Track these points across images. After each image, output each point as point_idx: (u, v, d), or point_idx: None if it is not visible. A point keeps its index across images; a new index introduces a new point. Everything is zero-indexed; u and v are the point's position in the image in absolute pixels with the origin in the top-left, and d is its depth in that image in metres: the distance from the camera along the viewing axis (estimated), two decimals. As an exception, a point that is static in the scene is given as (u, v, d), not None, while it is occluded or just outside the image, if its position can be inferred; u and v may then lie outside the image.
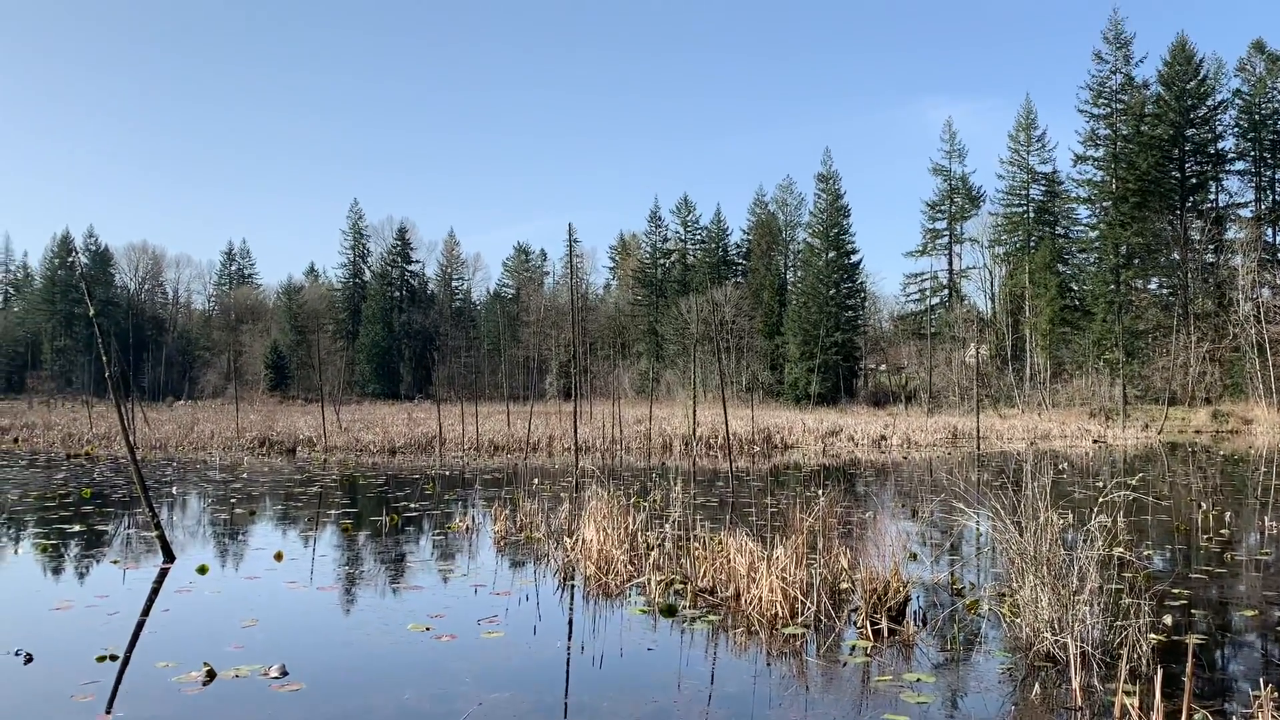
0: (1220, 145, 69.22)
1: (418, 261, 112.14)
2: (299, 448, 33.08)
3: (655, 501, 14.11)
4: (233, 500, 17.55)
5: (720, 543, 9.60)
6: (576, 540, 11.00)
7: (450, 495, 18.70)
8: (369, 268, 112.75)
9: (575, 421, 22.11)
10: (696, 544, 9.93)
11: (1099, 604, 7.20)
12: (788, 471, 25.94)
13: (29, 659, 7.20)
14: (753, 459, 30.13)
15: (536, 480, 20.06)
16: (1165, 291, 67.04)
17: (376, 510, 16.03)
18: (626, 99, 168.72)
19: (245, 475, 22.73)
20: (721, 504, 16.63)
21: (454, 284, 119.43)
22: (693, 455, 30.38)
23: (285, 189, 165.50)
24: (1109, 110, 69.13)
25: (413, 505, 16.70)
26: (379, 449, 31.46)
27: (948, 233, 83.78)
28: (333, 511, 16.16)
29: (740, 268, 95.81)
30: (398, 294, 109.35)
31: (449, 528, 14.02)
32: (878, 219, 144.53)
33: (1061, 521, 7.70)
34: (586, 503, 11.43)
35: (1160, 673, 5.97)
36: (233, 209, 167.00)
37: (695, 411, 31.28)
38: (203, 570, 10.65)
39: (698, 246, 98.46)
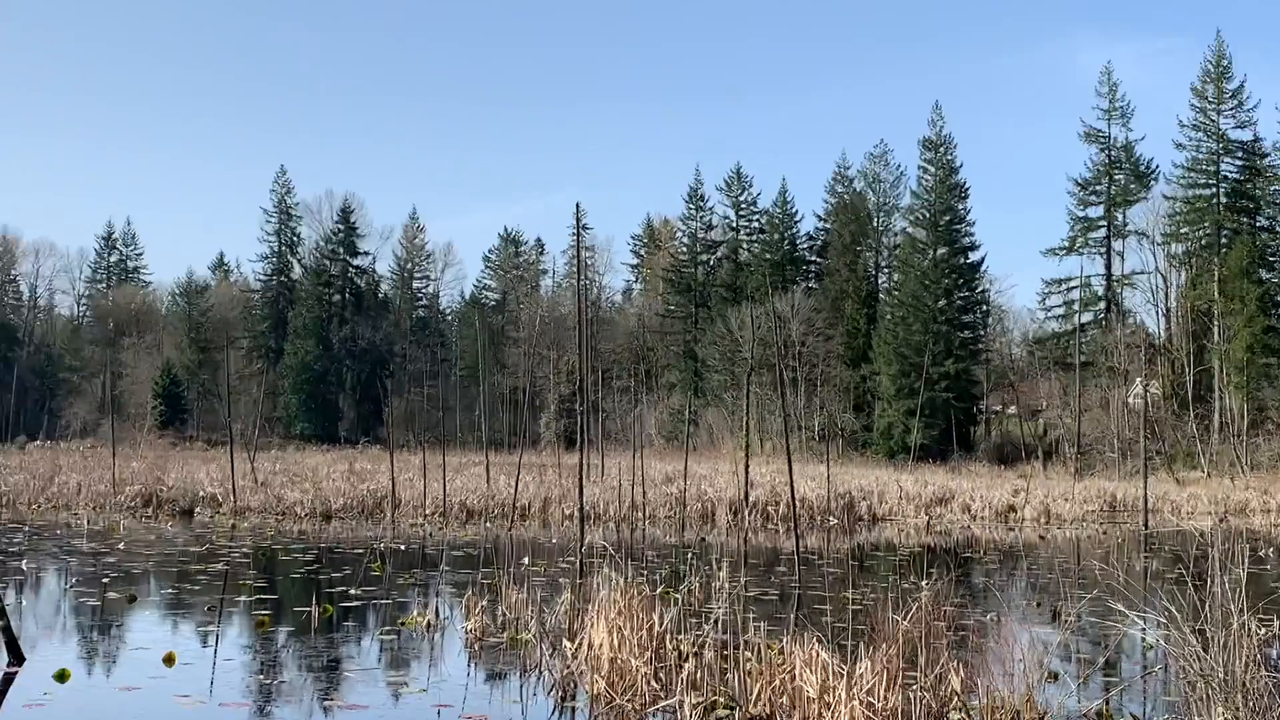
0: None
1: (366, 253, 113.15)
2: (199, 508, 33.13)
3: (691, 592, 14.06)
4: (105, 580, 17.64)
5: (782, 653, 9.54)
6: (580, 644, 10.97)
7: (406, 579, 18.67)
8: (299, 261, 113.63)
9: (581, 478, 22.13)
10: (748, 653, 9.88)
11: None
12: (877, 554, 25.69)
13: None
14: (828, 535, 29.88)
15: (526, 559, 20.04)
16: None
17: (303, 597, 16.07)
18: (653, 34, 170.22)
19: (124, 546, 22.83)
20: (784, 598, 16.53)
21: (416, 285, 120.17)
22: (744, 528, 30.21)
23: (185, 153, 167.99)
24: (1333, 54, 68.94)
25: (354, 591, 16.73)
26: (308, 512, 31.48)
27: (1105, 223, 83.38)
28: (243, 598, 16.23)
29: (814, 268, 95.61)
30: (338, 298, 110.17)
31: (403, 623, 14.04)
32: (1006, 202, 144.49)
33: (1264, 631, 7.60)
34: (595, 592, 11.40)
35: None
36: (114, 179, 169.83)
37: (748, 467, 31.20)
38: (62, 677, 10.68)
39: (754, 238, 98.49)
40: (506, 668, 11.48)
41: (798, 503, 29.06)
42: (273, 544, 24.04)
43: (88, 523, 27.91)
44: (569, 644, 11.25)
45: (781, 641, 9.87)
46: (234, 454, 36.51)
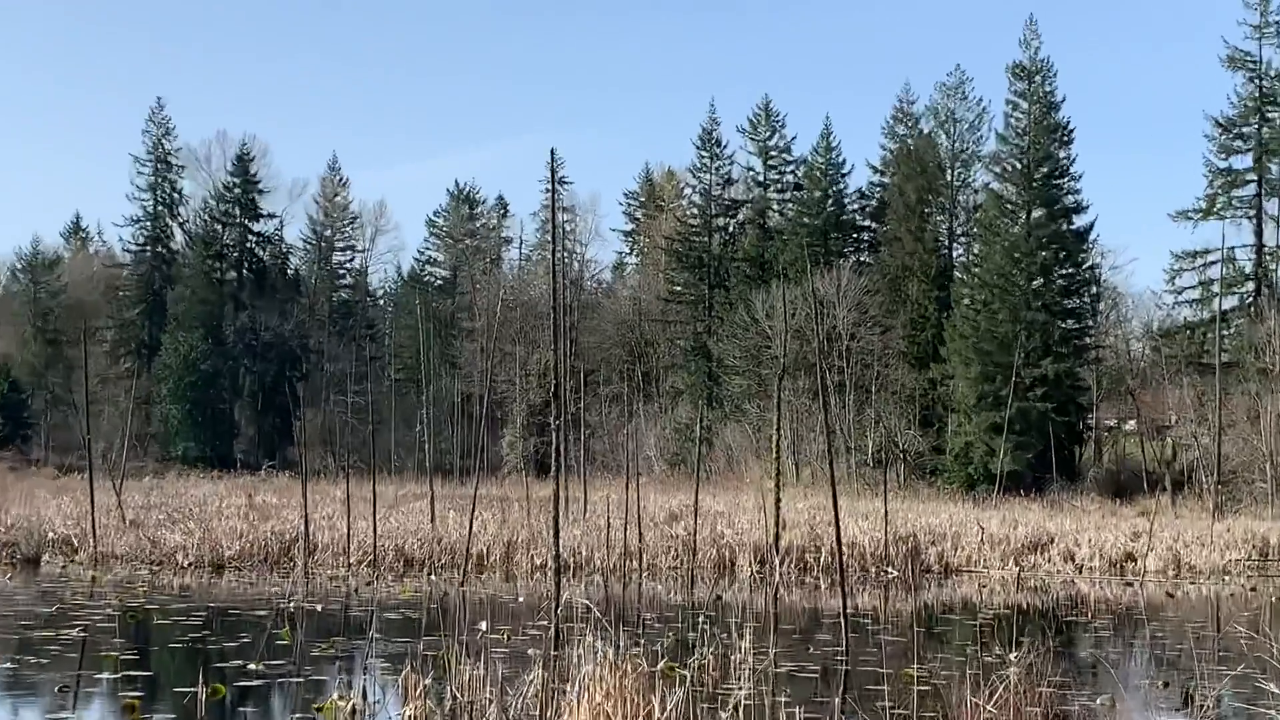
0: None
1: (271, 216, 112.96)
2: (47, 555, 33.04)
3: (703, 669, 14.06)
4: (-77, 651, 17.64)
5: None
6: (556, 737, 10.96)
7: (323, 649, 18.65)
8: (181, 226, 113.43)
9: (556, 515, 22.08)
10: (779, 749, 9.88)
11: None
12: (950, 617, 25.64)
13: None
14: (886, 592, 29.83)
15: (483, 624, 20.04)
16: None
17: (187, 674, 16.04)
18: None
19: (-53, 605, 22.84)
20: (827, 675, 16.51)
21: (336, 259, 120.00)
22: (774, 583, 30.12)
23: (27, 81, 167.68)
24: None
25: (254, 666, 16.72)
26: (193, 561, 31.42)
27: (1255, 177, 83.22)
28: (106, 675, 16.15)
29: (868, 236, 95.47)
30: (234, 274, 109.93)
31: (320, 709, 14.02)
32: (1123, 150, 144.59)
33: None
34: (575, 668, 11.39)
35: None
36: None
37: (779, 502, 31.17)
38: None
39: (788, 196, 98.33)
40: (458, 768, 11.46)
41: (845, 549, 29.01)
42: (146, 603, 23.96)
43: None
44: (540, 737, 11.24)
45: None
46: (94, 483, 36.42)
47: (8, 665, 17.13)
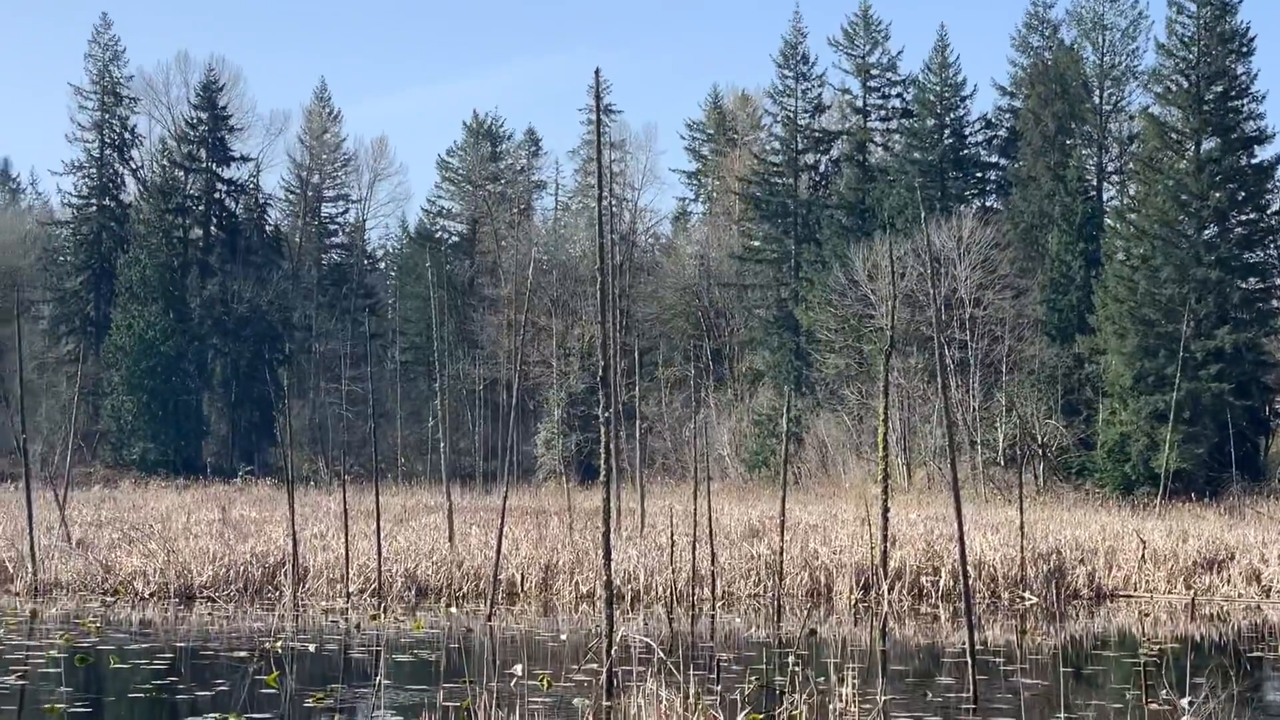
0: None
1: (245, 159, 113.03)
2: (-26, 584, 33.39)
3: (793, 719, 14.10)
4: None
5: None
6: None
7: (318, 698, 18.81)
8: (134, 173, 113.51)
9: (607, 532, 22.13)
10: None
11: None
12: (1104, 654, 25.56)
13: None
14: (1022, 623, 29.74)
15: (518, 668, 20.12)
16: None
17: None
18: None
19: None
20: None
21: (327, 211, 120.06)
22: (882, 613, 30.06)
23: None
24: None
25: (234, 721, 16.87)
26: (156, 591, 31.64)
27: None
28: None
29: (995, 175, 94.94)
30: (200, 233, 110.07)
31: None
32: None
33: None
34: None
35: None
36: None
37: (887, 512, 31.12)
38: None
39: (894, 126, 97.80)
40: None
41: (971, 570, 28.85)
42: (98, 643, 24.08)
43: None
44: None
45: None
46: (32, 494, 36.67)
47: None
